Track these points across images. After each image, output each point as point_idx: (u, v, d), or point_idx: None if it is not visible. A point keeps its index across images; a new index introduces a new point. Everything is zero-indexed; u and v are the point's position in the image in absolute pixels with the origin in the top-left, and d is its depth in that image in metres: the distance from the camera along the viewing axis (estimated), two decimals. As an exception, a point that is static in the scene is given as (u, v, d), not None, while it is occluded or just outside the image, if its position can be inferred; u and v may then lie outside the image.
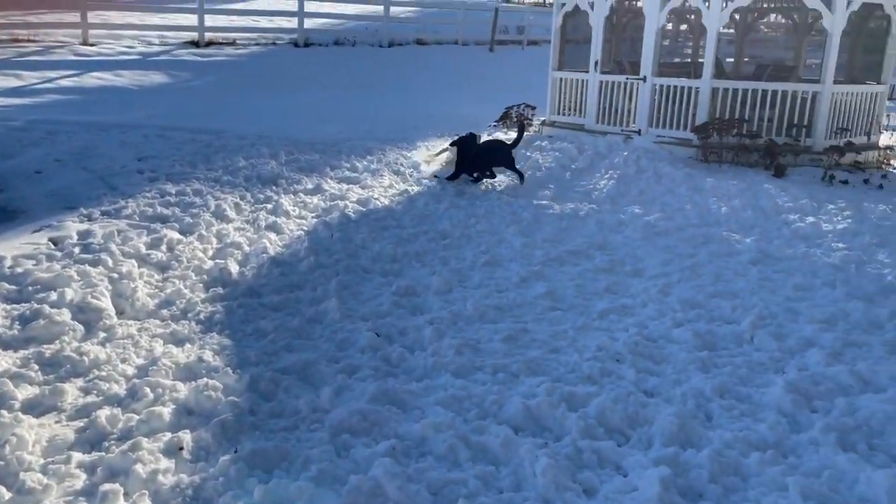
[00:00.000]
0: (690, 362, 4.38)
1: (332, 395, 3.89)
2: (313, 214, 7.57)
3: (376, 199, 8.21)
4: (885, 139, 11.22)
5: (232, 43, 19.85)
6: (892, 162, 10.81)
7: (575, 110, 12.12)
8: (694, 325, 4.90)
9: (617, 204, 8.27)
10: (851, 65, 11.59)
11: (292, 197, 8.18)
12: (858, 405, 3.89)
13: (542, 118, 12.76)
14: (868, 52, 11.59)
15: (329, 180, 9.05)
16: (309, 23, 21.16)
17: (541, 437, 3.56)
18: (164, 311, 5.01)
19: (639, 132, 11.09)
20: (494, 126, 12.94)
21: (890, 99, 17.15)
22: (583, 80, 11.87)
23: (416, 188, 8.87)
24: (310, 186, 8.65)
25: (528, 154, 10.37)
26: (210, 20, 19.65)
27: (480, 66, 21.52)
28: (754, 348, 4.64)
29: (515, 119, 12.65)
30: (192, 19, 19.43)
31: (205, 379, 3.97)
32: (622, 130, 11.30)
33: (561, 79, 12.30)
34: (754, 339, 4.73)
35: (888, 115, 11.96)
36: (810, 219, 7.71)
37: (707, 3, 10.26)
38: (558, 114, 12.38)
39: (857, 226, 7.52)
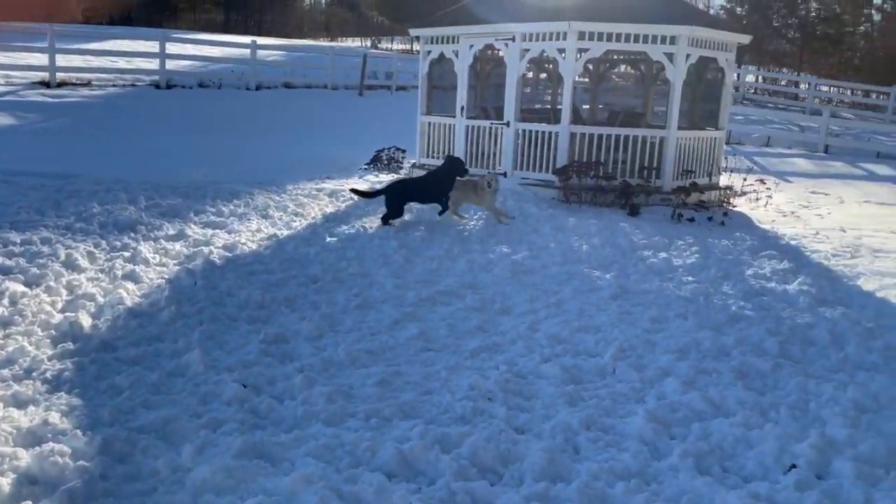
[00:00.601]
0: (558, 396, 4.51)
1: (195, 452, 3.67)
2: (175, 262, 7.22)
3: (243, 243, 7.97)
4: (724, 180, 12.24)
5: (87, 84, 18.87)
6: (731, 201, 11.80)
7: (443, 153, 12.41)
8: (561, 360, 5.06)
9: (486, 244, 8.48)
10: (693, 112, 12.65)
11: (152, 244, 7.78)
12: (711, 430, 4.13)
13: (413, 161, 12.96)
14: (707, 100, 12.71)
15: (193, 225, 8.69)
16: (171, 64, 20.53)
17: (414, 482, 3.52)
18: (5, 371, 4.56)
19: (505, 174, 11.49)
20: (366, 168, 13.01)
21: (727, 143, 18.85)
22: (450, 125, 12.20)
23: (285, 232, 8.69)
24: (172, 232, 8.27)
25: (400, 197, 10.46)
26: (63, 60, 18.61)
27: (350, 109, 21.67)
28: (616, 380, 4.85)
29: (386, 162, 12.78)
30: (42, 58, 18.32)
31: (50, 444, 3.63)
32: (489, 173, 11.65)
33: (429, 123, 12.58)
34: (616, 371, 4.95)
35: (726, 158, 13.09)
36: (663, 254, 8.23)
37: (563, 54, 10.88)
38: (428, 157, 12.61)
39: (704, 260, 8.11)
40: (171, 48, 20.81)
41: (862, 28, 36.92)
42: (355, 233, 8.72)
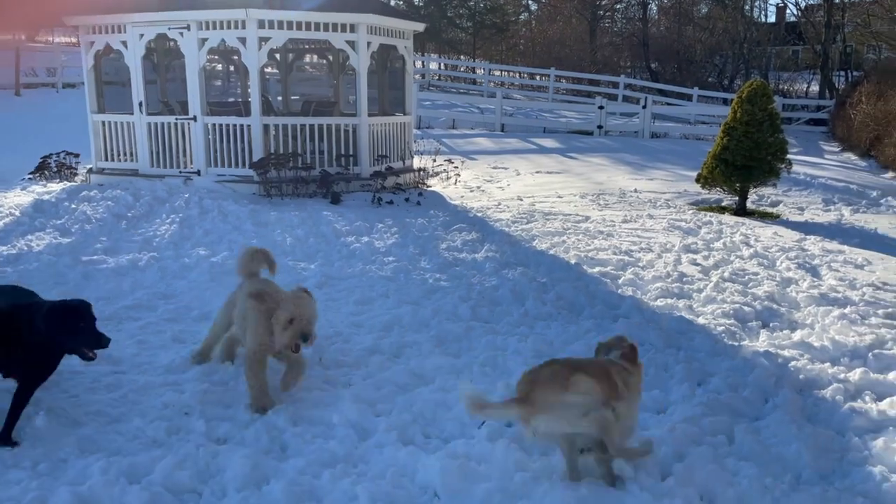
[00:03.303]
0: (263, 397, 4.33)
1: None
2: None
3: None
4: (417, 162, 12.91)
5: None
6: (426, 181, 12.49)
7: (126, 155, 11.33)
8: (264, 359, 4.88)
9: (181, 248, 7.91)
10: (383, 99, 13.10)
11: None
12: (414, 400, 4.29)
13: (89, 166, 11.64)
14: (393, 87, 13.25)
15: None
16: None
17: (99, 524, 3.11)
18: None
19: (198, 173, 10.85)
20: (30, 179, 11.36)
21: (418, 128, 19.93)
22: (129, 123, 11.16)
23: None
24: None
25: (74, 206, 9.32)
26: None
27: (5, 111, 18.75)
28: (325, 368, 4.81)
29: (56, 169, 11.31)
30: None
31: None
32: (181, 172, 10.92)
33: (104, 122, 11.38)
34: (322, 359, 4.91)
35: (418, 142, 13.85)
36: (365, 238, 8.41)
37: (244, 44, 10.51)
38: (106, 160, 11.43)
39: (403, 239, 8.46)
40: None
41: (522, 17, 41.70)
42: (17, 253, 7.54)
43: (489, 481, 3.37)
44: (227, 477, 3.43)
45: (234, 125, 10.86)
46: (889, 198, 11.95)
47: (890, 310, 6.02)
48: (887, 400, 4.32)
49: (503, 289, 6.55)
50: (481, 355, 5.01)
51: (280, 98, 15.08)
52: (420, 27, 13.06)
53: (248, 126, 10.79)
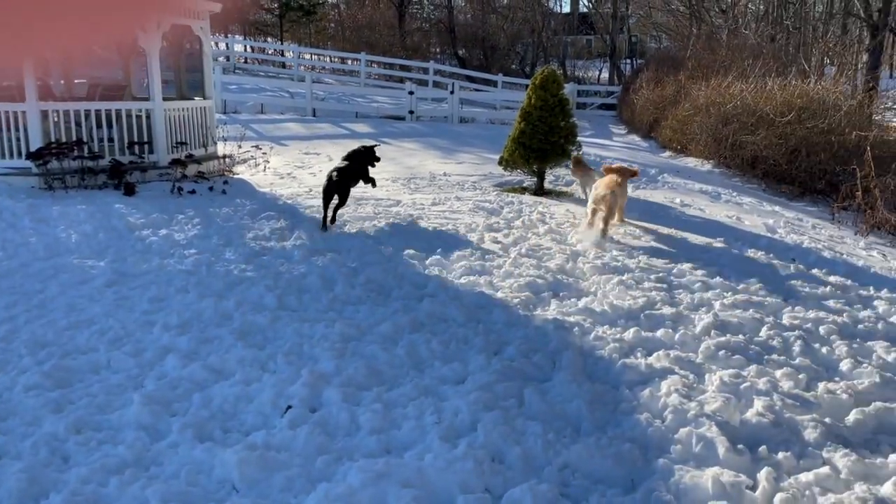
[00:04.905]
0: (42, 407, 4.00)
1: None
2: None
3: None
4: (222, 148, 12.37)
5: None
6: (233, 169, 12.01)
7: None
8: (43, 366, 4.49)
9: (-57, 251, 7.02)
10: (180, 82, 12.38)
11: None
12: (213, 395, 4.17)
13: None
14: (192, 70, 12.56)
15: None
16: None
17: None
18: None
19: (-36, 165, 9.65)
20: None
21: (224, 112, 19.13)
22: None
23: None
24: None
25: None
26: None
27: None
28: (112, 371, 4.53)
29: None
30: None
31: None
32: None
33: None
34: (111, 363, 4.62)
35: (223, 127, 13.23)
36: (163, 231, 7.96)
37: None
38: None
39: (206, 230, 8.10)
40: None
41: (330, 0, 41.14)
42: None
43: (290, 468, 3.37)
44: (0, 494, 3.15)
45: (7, 112, 9.77)
46: (665, 174, 13.29)
47: (661, 274, 6.74)
48: (654, 354, 4.85)
49: (312, 276, 6.51)
50: (287, 344, 4.96)
51: (63, 82, 13.74)
52: (216, 7, 12.44)
53: (23, 112, 9.75)
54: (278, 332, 5.23)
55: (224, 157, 12.05)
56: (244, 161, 12.36)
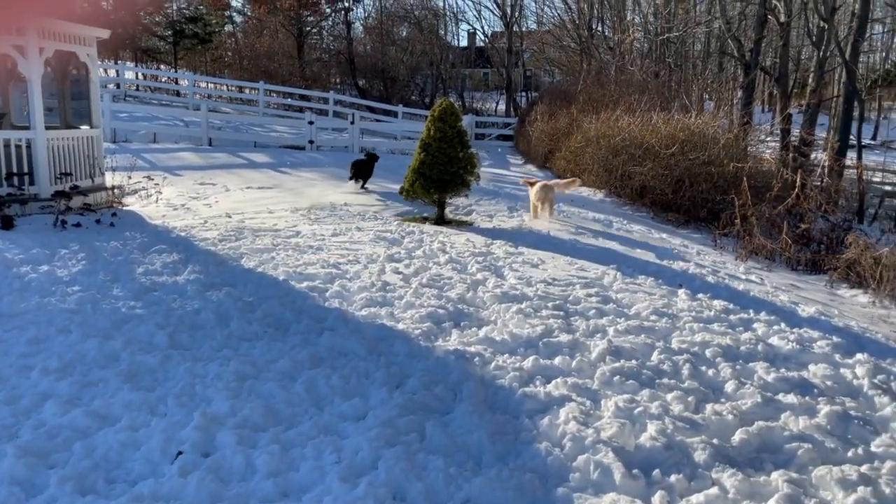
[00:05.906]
0: None
1: None
2: None
3: None
4: (111, 179, 11.83)
5: None
6: (122, 200, 11.50)
7: None
8: None
9: None
10: (65, 110, 11.79)
11: None
12: (96, 444, 3.92)
13: None
14: (77, 97, 12.00)
15: None
16: None
17: None
18: None
19: None
20: None
21: (114, 142, 18.34)
22: None
23: None
24: None
25: None
26: None
27: None
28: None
29: None
30: None
31: None
32: None
33: None
34: (-19, 413, 4.26)
35: (111, 157, 12.67)
36: (44, 267, 7.49)
37: None
38: None
39: (92, 266, 7.68)
40: None
41: (227, 28, 40.37)
42: None
43: (180, 518, 3.20)
44: None
45: None
46: (560, 203, 13.74)
47: (557, 302, 6.92)
48: (553, 382, 4.96)
49: (206, 311, 6.27)
50: (178, 385, 4.74)
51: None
52: (104, 34, 11.98)
53: None
54: (169, 373, 4.99)
55: (113, 188, 11.55)
56: (135, 192, 11.88)
